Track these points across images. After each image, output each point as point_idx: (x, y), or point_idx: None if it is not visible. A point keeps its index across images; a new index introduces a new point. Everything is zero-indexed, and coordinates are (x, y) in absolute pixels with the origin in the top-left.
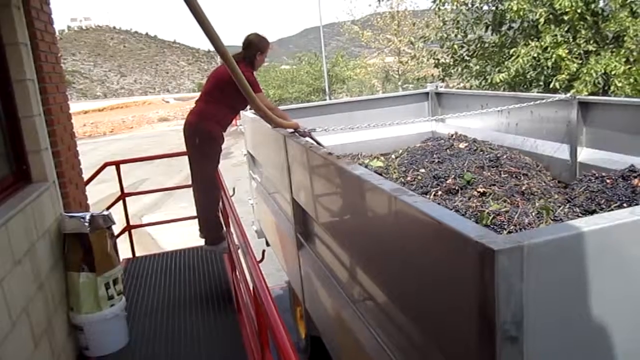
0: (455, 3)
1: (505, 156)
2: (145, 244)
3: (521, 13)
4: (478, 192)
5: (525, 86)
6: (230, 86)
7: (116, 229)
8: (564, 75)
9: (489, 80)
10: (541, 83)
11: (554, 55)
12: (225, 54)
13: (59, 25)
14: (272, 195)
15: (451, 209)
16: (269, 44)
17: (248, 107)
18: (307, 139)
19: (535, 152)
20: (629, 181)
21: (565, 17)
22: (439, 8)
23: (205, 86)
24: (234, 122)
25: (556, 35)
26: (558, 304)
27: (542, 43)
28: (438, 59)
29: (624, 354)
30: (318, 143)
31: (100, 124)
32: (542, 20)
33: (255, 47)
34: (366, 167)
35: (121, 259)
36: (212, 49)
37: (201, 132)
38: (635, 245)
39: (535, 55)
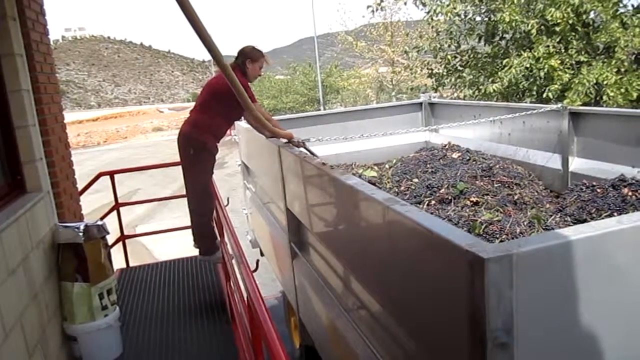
0: (449, 14)
1: (497, 166)
2: (139, 254)
3: (513, 24)
4: (471, 201)
5: (518, 96)
6: (225, 96)
7: (110, 239)
8: (556, 86)
9: (482, 91)
10: (534, 93)
11: (546, 66)
12: (222, 62)
13: (54, 35)
14: (267, 205)
15: (444, 219)
16: (263, 56)
17: (243, 118)
18: (301, 149)
19: (528, 162)
20: (619, 190)
21: (557, 28)
22: (431, 18)
23: (200, 96)
24: (227, 132)
25: (548, 46)
26: (548, 310)
27: (535, 54)
28: (432, 69)
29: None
30: (312, 153)
31: (94, 134)
32: (534, 31)
33: (245, 55)
34: (360, 177)
35: (115, 269)
36: (207, 58)
37: (195, 143)
38: (622, 253)
39: (528, 65)
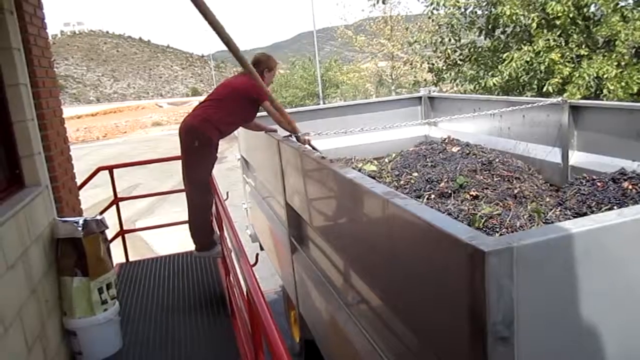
0: (450, 7)
1: (497, 160)
2: (139, 248)
3: (514, 18)
4: (470, 195)
5: (518, 90)
6: (245, 101)
7: (109, 234)
8: (556, 79)
9: (483, 85)
10: (534, 87)
11: (546, 60)
12: (243, 60)
13: (52, 30)
14: (266, 199)
15: (444, 213)
16: (277, 64)
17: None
18: (306, 146)
19: (527, 156)
20: (620, 184)
21: (557, 22)
22: (432, 12)
23: (215, 92)
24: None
25: (548, 39)
26: (548, 304)
27: (535, 47)
28: (433, 64)
29: (613, 352)
30: (315, 149)
31: (94, 129)
32: (534, 24)
33: (263, 64)
34: (359, 171)
35: (115, 264)
36: (205, 53)
37: (202, 136)
38: (623, 246)
39: (528, 59)
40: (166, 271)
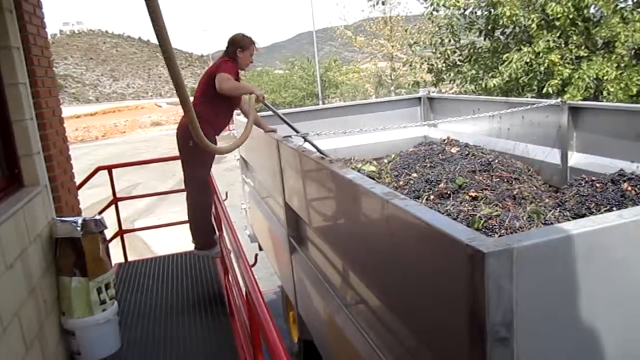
0: (450, 7)
1: (496, 161)
2: (137, 248)
3: (514, 18)
4: (470, 196)
5: (518, 91)
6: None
7: (108, 234)
8: (556, 81)
9: (482, 85)
10: (534, 88)
11: (546, 61)
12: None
13: (51, 29)
14: (265, 199)
15: (443, 213)
16: (252, 43)
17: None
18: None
19: (527, 157)
20: (619, 185)
21: (557, 23)
22: (432, 13)
23: (198, 88)
24: (227, 126)
25: (548, 40)
26: (547, 305)
27: (535, 48)
28: (432, 64)
29: (613, 354)
30: (317, 149)
31: (93, 129)
32: (534, 25)
33: (235, 44)
34: (359, 171)
35: (113, 264)
36: (205, 53)
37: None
38: (623, 247)
39: (528, 60)
40: (165, 271)
